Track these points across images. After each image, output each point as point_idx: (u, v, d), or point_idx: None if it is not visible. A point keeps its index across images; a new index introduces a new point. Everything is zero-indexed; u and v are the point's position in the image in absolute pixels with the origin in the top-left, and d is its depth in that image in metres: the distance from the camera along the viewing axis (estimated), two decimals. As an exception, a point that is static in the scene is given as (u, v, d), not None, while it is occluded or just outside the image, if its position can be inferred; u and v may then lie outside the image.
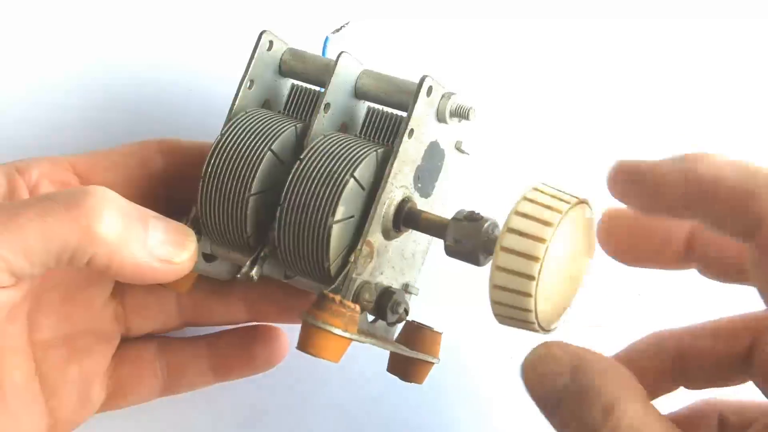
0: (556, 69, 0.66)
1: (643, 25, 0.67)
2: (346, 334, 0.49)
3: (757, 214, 0.41)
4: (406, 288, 0.55)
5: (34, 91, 0.64)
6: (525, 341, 0.53)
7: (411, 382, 0.56)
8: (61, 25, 0.64)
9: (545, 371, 0.44)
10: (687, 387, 0.53)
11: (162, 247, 0.50)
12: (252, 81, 0.55)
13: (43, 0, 0.64)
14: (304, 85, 0.57)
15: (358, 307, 0.49)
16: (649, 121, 0.65)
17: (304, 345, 0.49)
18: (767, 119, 0.65)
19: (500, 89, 0.66)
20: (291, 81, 0.58)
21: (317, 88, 0.57)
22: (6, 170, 0.55)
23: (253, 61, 0.55)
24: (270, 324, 0.61)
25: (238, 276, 0.52)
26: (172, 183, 0.58)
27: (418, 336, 0.56)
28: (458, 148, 0.55)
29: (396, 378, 0.56)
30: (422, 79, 0.52)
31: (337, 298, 0.49)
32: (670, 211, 0.45)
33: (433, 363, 0.56)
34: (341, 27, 0.60)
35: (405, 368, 0.56)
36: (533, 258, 0.47)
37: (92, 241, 0.48)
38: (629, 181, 0.46)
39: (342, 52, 0.54)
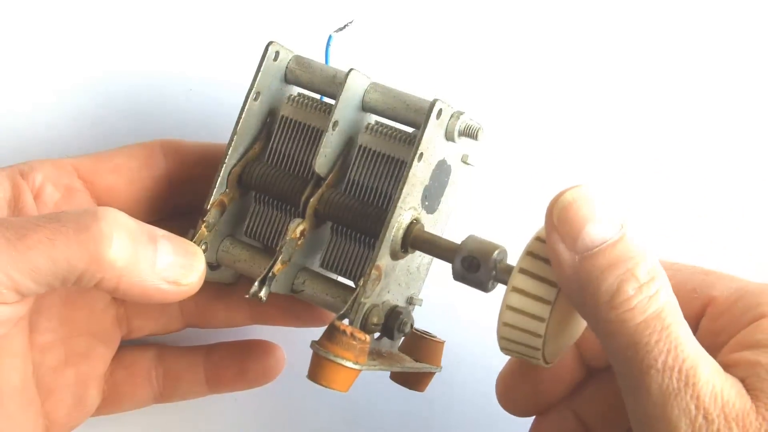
0: (560, 73, 0.66)
1: (651, 42, 0.66)
2: (357, 366, 0.49)
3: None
4: (410, 301, 0.56)
5: (36, 93, 0.63)
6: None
7: (413, 390, 0.57)
8: (62, 27, 0.64)
9: (597, 212, 0.44)
10: None
11: (170, 270, 0.50)
12: (258, 93, 0.55)
13: (45, 3, 0.63)
14: (310, 93, 0.57)
15: (368, 338, 0.50)
16: (656, 133, 0.65)
17: (314, 376, 0.50)
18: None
19: (500, 91, 0.65)
20: (296, 88, 0.57)
21: (324, 98, 0.56)
22: (9, 174, 0.54)
23: (260, 73, 0.54)
24: (267, 340, 0.62)
25: (246, 296, 0.53)
26: (174, 184, 0.58)
27: (420, 345, 0.57)
28: (464, 161, 0.55)
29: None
30: (433, 103, 0.51)
31: (348, 329, 0.49)
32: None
33: (435, 372, 0.57)
34: (345, 25, 0.59)
35: (407, 377, 0.57)
36: (545, 301, 0.47)
37: (100, 267, 0.48)
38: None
39: (351, 69, 0.53)
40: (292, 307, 0.59)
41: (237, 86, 0.56)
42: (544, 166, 0.65)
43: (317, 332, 0.58)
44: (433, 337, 0.57)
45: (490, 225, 0.61)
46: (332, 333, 0.50)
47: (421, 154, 0.51)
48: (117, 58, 0.64)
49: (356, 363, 0.49)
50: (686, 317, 0.47)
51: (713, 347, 0.47)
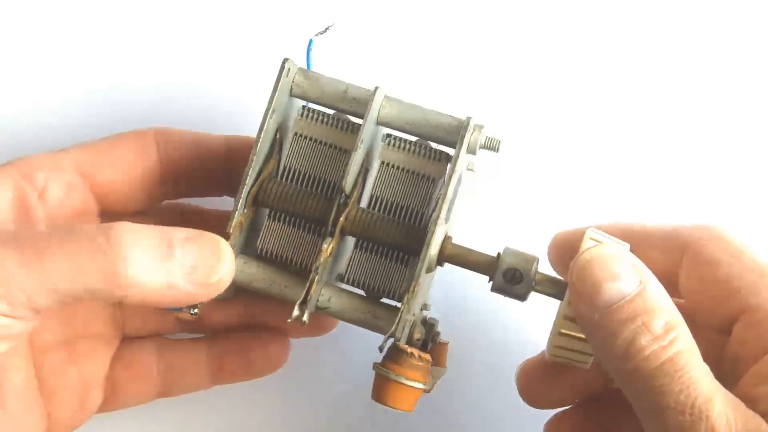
0: (547, 72, 0.67)
1: (651, 45, 0.68)
2: (425, 387, 0.51)
3: (680, 242, 0.53)
4: (425, 307, 0.57)
5: (37, 93, 0.65)
6: (521, 346, 0.57)
7: (422, 391, 0.59)
8: (64, 30, 0.65)
9: (615, 271, 0.47)
10: None
11: (195, 272, 0.50)
12: (273, 111, 0.54)
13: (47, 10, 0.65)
14: (314, 106, 0.56)
15: (429, 357, 0.51)
16: (656, 133, 0.67)
17: (383, 398, 0.51)
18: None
19: (485, 92, 0.67)
20: (300, 102, 0.56)
21: (309, 104, 0.57)
22: (11, 175, 0.54)
23: (277, 91, 0.54)
24: (272, 330, 0.61)
25: (289, 321, 0.53)
26: (166, 173, 0.58)
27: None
28: (469, 168, 0.57)
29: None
30: (467, 123, 0.53)
31: (415, 351, 0.51)
32: None
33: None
34: (326, 29, 0.59)
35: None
36: None
37: (119, 286, 0.47)
38: (570, 245, 0.54)
39: (377, 87, 0.54)
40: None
41: (223, 88, 0.61)
42: (541, 165, 0.66)
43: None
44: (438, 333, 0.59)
45: (489, 228, 0.63)
46: (399, 356, 0.51)
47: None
48: (116, 59, 0.65)
49: (424, 384, 0.51)
50: (721, 316, 0.51)
51: (738, 356, 0.51)
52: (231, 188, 0.59)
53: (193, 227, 0.54)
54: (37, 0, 0.65)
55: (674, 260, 0.54)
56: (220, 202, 0.61)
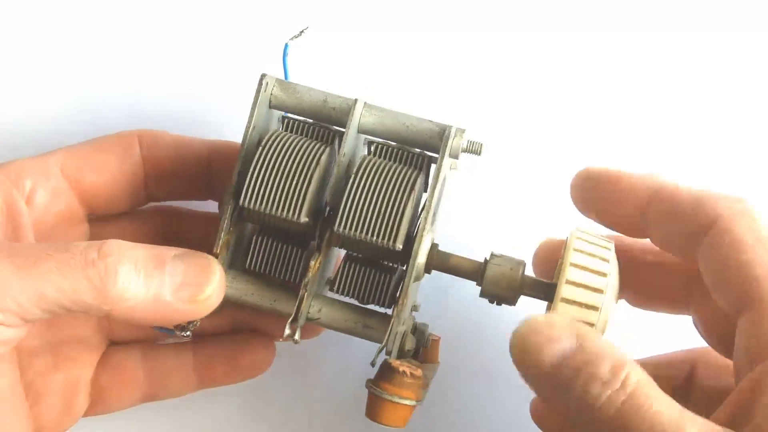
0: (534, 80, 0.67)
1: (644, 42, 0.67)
2: (418, 403, 0.51)
3: (711, 212, 0.50)
4: (415, 308, 0.58)
5: (36, 95, 0.66)
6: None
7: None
8: (64, 33, 0.66)
9: (551, 334, 0.47)
10: None
11: (183, 290, 0.51)
12: (254, 127, 0.54)
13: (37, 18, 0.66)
14: (293, 116, 0.56)
15: (421, 372, 0.52)
16: (653, 134, 0.67)
17: (376, 416, 0.52)
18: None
19: (462, 93, 0.66)
20: (279, 113, 0.56)
21: (287, 114, 0.56)
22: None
23: (257, 107, 0.53)
24: (257, 334, 0.61)
25: (281, 340, 0.53)
26: (150, 175, 0.58)
27: (418, 344, 0.59)
28: (452, 168, 0.57)
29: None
30: (448, 132, 0.53)
31: (407, 369, 0.51)
32: (628, 215, 0.54)
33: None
34: (300, 32, 0.58)
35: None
36: (593, 308, 0.51)
37: (107, 301, 0.49)
38: (595, 184, 0.54)
39: (356, 99, 0.53)
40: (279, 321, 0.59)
41: (205, 94, 0.61)
42: (527, 166, 0.66)
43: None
44: (430, 334, 0.59)
45: (476, 229, 0.63)
46: (391, 374, 0.51)
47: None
48: (102, 66, 0.66)
49: (417, 400, 0.51)
50: (733, 301, 0.50)
51: (738, 351, 0.50)
52: (214, 192, 0.59)
53: (177, 227, 0.57)
54: (25, 8, 0.66)
55: (698, 231, 0.51)
56: (204, 205, 0.61)
